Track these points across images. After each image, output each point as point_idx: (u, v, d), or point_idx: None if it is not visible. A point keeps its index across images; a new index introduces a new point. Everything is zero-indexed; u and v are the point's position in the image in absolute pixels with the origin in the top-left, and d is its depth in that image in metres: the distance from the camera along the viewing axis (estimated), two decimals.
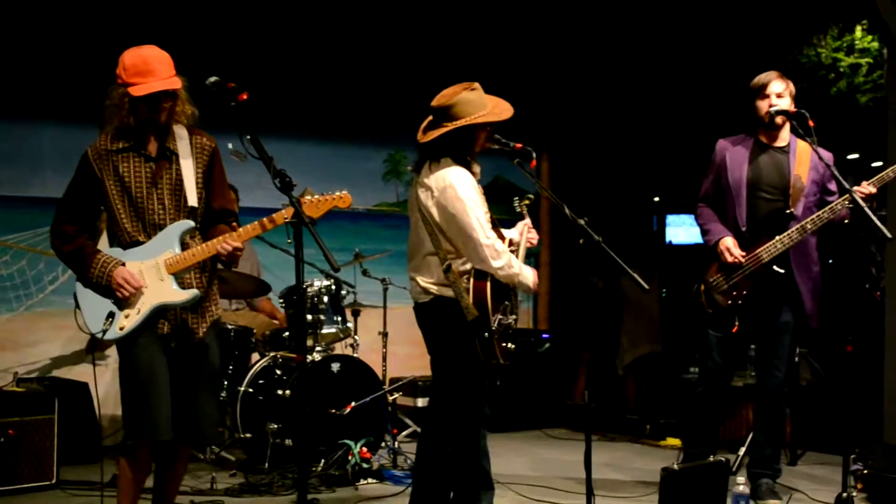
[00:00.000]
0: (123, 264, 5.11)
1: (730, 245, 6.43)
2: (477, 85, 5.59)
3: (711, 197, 6.74)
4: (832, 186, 6.53)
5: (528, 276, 5.57)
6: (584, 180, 10.99)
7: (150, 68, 5.05)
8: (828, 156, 6.39)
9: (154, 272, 5.13)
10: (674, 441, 8.96)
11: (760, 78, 6.55)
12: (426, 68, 9.97)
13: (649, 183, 11.29)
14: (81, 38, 8.49)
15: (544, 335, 10.42)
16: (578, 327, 10.92)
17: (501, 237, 5.67)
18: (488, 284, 5.39)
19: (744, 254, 6.42)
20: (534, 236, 5.88)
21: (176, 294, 5.15)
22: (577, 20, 10.72)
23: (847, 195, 6.14)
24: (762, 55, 9.42)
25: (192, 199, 5.23)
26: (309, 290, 7.72)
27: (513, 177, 10.75)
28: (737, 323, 6.44)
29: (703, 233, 6.66)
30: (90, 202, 5.22)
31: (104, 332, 5.11)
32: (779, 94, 6.50)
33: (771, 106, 6.47)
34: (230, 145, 5.21)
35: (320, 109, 10.12)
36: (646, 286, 5.30)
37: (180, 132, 5.26)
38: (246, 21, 9.40)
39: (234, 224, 5.35)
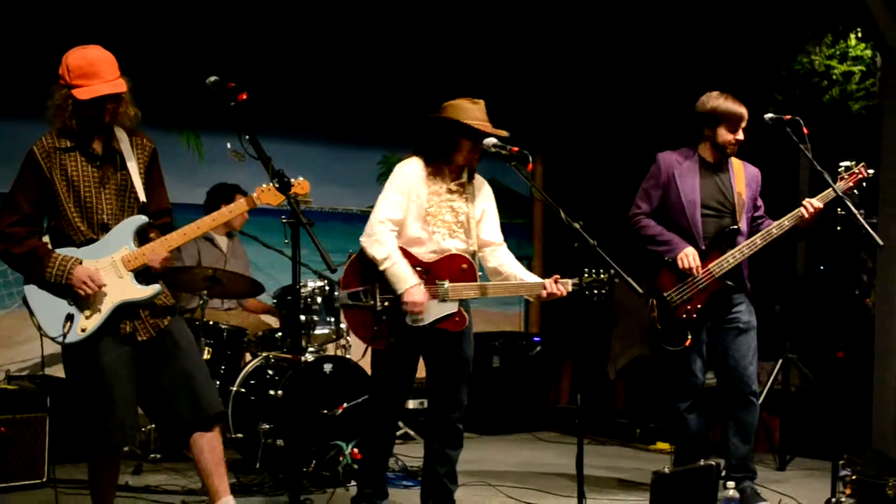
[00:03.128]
0: (81, 262, 5.03)
1: (694, 253, 6.54)
2: (481, 101, 5.81)
3: (658, 210, 6.83)
4: (758, 202, 6.82)
5: (400, 277, 5.71)
6: (577, 184, 11.01)
7: (95, 70, 4.98)
8: (756, 172, 6.83)
9: (112, 270, 5.08)
10: (664, 445, 8.98)
11: (734, 105, 6.61)
12: (422, 72, 9.99)
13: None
14: (60, 33, 8.46)
15: (535, 338, 10.43)
16: (566, 331, 10.94)
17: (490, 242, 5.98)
18: (352, 256, 5.90)
19: (700, 266, 6.51)
20: (557, 292, 5.94)
21: (138, 290, 5.11)
22: (571, 25, 10.74)
23: (796, 211, 6.42)
24: (756, 61, 9.46)
25: (142, 196, 5.20)
26: (302, 290, 7.71)
27: (507, 180, 10.78)
28: (689, 337, 6.52)
29: (660, 244, 6.70)
30: (38, 202, 5.10)
31: (64, 335, 5.00)
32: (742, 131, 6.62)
33: (738, 142, 6.60)
34: (229, 145, 5.22)
35: (316, 111, 10.13)
36: (640, 290, 5.34)
37: (120, 133, 5.20)
38: (245, 22, 9.41)
39: (168, 220, 5.37)
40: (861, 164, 6.52)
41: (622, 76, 10.81)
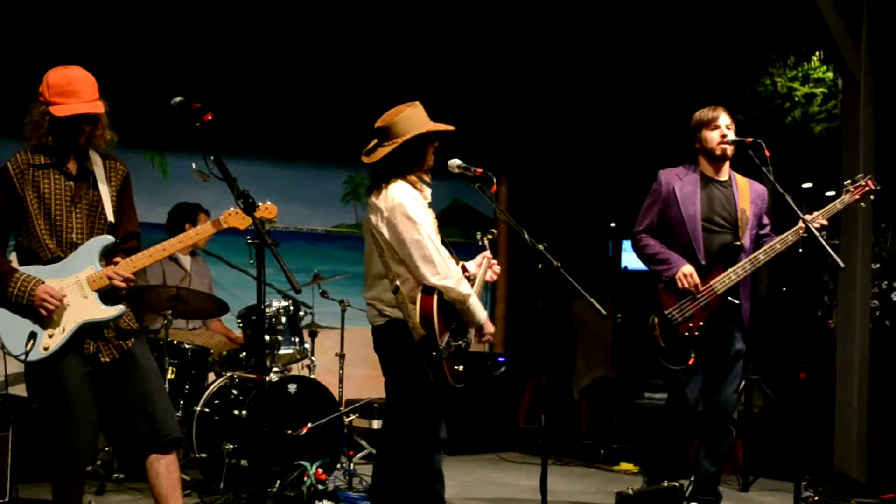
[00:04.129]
0: (43, 282, 5.02)
1: (692, 272, 6.46)
2: (417, 103, 5.61)
3: (656, 228, 6.74)
4: (764, 220, 6.77)
5: (480, 308, 5.51)
6: (542, 205, 11.04)
7: (74, 89, 5.03)
8: (763, 190, 6.74)
9: (76, 290, 5.08)
10: (628, 466, 9.00)
11: (706, 111, 6.63)
12: (386, 92, 9.97)
13: (606, 209, 11.37)
14: (26, 52, 8.46)
15: (500, 359, 10.44)
16: (528, 351, 10.96)
17: (457, 263, 5.69)
18: (435, 300, 5.33)
19: (700, 284, 6.46)
20: (496, 269, 5.86)
21: (102, 311, 5.10)
22: (536, 47, 10.79)
23: (798, 226, 6.33)
24: (719, 84, 9.53)
25: (111, 216, 5.22)
26: (267, 310, 7.70)
27: (471, 200, 10.84)
28: (692, 355, 6.46)
29: (659, 262, 6.60)
30: (7, 217, 5.12)
31: (27, 353, 4.99)
32: (727, 125, 6.59)
33: (723, 137, 6.56)
34: (194, 165, 5.21)
35: (281, 131, 10.14)
36: (603, 312, 5.34)
37: (94, 156, 5.24)
38: (210, 43, 9.40)
39: (136, 244, 5.36)
40: (869, 177, 6.53)
41: (586, 98, 10.87)
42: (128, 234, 5.34)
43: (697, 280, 6.45)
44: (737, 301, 6.52)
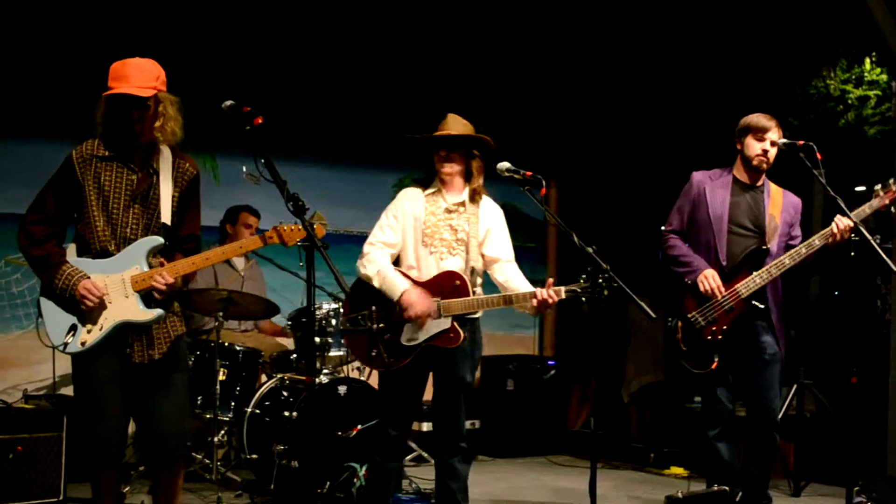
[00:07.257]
0: (88, 278, 5.06)
1: (714, 275, 6.44)
2: (457, 116, 6.04)
3: (685, 230, 6.77)
4: (795, 231, 6.69)
5: (395, 285, 5.81)
6: (591, 208, 11.02)
7: (125, 73, 5.01)
8: (797, 202, 6.73)
9: (120, 288, 5.09)
10: (678, 470, 8.96)
11: (760, 118, 6.59)
12: (436, 96, 10.02)
13: (656, 212, 11.31)
14: (80, 56, 8.53)
15: (550, 362, 10.43)
16: (579, 354, 10.94)
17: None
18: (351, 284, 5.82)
19: (722, 287, 6.44)
20: (549, 298, 5.82)
21: (141, 312, 5.11)
22: (585, 49, 10.78)
23: (824, 231, 6.28)
24: (771, 86, 9.46)
25: (166, 217, 5.20)
26: (317, 312, 7.74)
27: (521, 204, 10.80)
28: (716, 359, 6.42)
29: (682, 265, 6.63)
30: (65, 205, 5.15)
31: (66, 345, 5.07)
32: (773, 142, 6.53)
33: (765, 152, 6.53)
34: (244, 168, 5.26)
35: (331, 134, 10.17)
36: (653, 315, 5.32)
37: (165, 153, 5.23)
38: (261, 46, 9.46)
39: (193, 246, 5.39)
40: None
41: (636, 101, 10.83)
42: (188, 235, 5.35)
43: (719, 283, 6.42)
44: (762, 305, 6.47)
